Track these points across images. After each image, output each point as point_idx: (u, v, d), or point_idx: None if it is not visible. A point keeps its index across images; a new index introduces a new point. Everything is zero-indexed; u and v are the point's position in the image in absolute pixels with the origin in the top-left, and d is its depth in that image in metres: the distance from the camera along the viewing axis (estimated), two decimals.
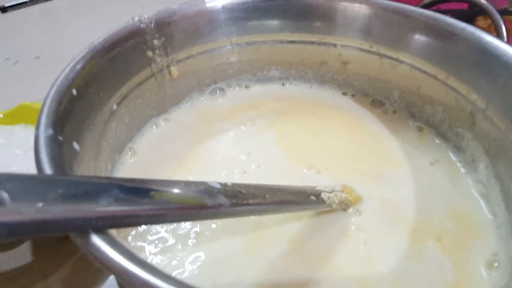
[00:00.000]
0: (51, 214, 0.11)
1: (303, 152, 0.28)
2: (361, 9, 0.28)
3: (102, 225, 0.12)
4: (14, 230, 0.11)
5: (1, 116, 0.32)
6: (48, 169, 0.15)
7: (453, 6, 0.29)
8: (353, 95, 0.32)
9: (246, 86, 0.33)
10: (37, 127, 0.16)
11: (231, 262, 0.20)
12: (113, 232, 0.13)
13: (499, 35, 0.25)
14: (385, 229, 0.22)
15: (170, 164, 0.26)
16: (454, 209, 0.23)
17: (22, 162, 0.29)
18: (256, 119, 0.30)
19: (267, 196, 0.19)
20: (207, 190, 0.16)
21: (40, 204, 0.11)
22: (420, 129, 0.29)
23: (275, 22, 0.30)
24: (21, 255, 0.29)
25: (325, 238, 0.22)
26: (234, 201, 0.17)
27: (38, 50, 0.51)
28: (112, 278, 0.28)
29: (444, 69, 0.26)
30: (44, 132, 0.16)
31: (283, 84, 0.33)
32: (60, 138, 0.17)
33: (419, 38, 0.27)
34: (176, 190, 0.15)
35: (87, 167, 0.19)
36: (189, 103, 0.31)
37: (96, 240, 0.12)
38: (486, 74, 0.23)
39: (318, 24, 0.30)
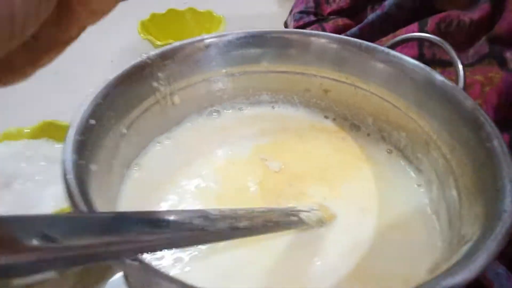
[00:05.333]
0: (94, 249, 0.15)
1: (287, 168, 0.32)
2: (333, 45, 0.33)
3: (133, 253, 0.16)
4: (66, 263, 0.14)
5: (28, 131, 0.37)
6: (74, 188, 0.19)
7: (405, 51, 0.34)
8: (334, 119, 0.36)
9: (239, 109, 0.37)
10: (64, 153, 0.21)
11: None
12: None
13: (457, 77, 0.29)
14: (348, 247, 0.26)
15: (172, 176, 0.31)
16: (408, 226, 0.27)
17: (47, 173, 0.34)
18: (248, 137, 0.35)
19: (255, 219, 0.23)
20: (208, 217, 0.20)
21: (85, 241, 0.14)
22: (390, 152, 0.33)
23: (263, 55, 0.35)
24: None
25: (302, 252, 0.26)
26: (229, 225, 0.21)
27: (56, 66, 0.56)
28: (118, 276, 0.33)
29: (405, 101, 0.30)
30: (70, 157, 0.21)
31: (272, 107, 0.38)
32: (82, 162, 0.21)
33: (385, 73, 0.31)
34: (185, 219, 0.18)
35: (101, 182, 0.23)
36: (189, 124, 0.35)
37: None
38: (435, 109, 0.27)
39: (299, 57, 0.34)
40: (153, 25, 0.58)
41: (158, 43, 0.53)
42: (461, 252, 0.17)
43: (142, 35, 0.55)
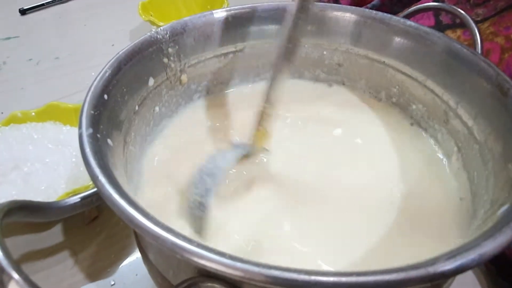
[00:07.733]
0: None
1: (306, 145, 0.32)
2: (352, 18, 0.32)
3: None
4: None
5: (33, 114, 0.36)
6: (92, 160, 0.19)
7: (421, 23, 0.33)
8: (350, 92, 0.36)
9: (250, 84, 0.36)
10: (80, 127, 0.20)
11: None
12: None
13: (474, 43, 0.28)
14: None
15: (186, 149, 0.30)
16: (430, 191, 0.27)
17: (54, 155, 0.34)
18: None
19: None
20: None
21: None
22: (410, 123, 0.32)
23: (274, 28, 0.34)
24: (54, 235, 0.33)
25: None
26: None
27: (57, 51, 0.55)
28: (133, 254, 0.32)
29: (423, 72, 0.29)
30: (86, 131, 0.20)
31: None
32: (98, 135, 0.21)
33: (401, 44, 0.30)
34: None
35: (118, 158, 0.23)
36: (199, 99, 0.35)
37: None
38: (456, 79, 0.27)
39: (314, 30, 0.33)
40: (153, 6, 0.57)
41: (161, 24, 0.52)
42: (497, 215, 0.17)
43: (143, 16, 0.53)
